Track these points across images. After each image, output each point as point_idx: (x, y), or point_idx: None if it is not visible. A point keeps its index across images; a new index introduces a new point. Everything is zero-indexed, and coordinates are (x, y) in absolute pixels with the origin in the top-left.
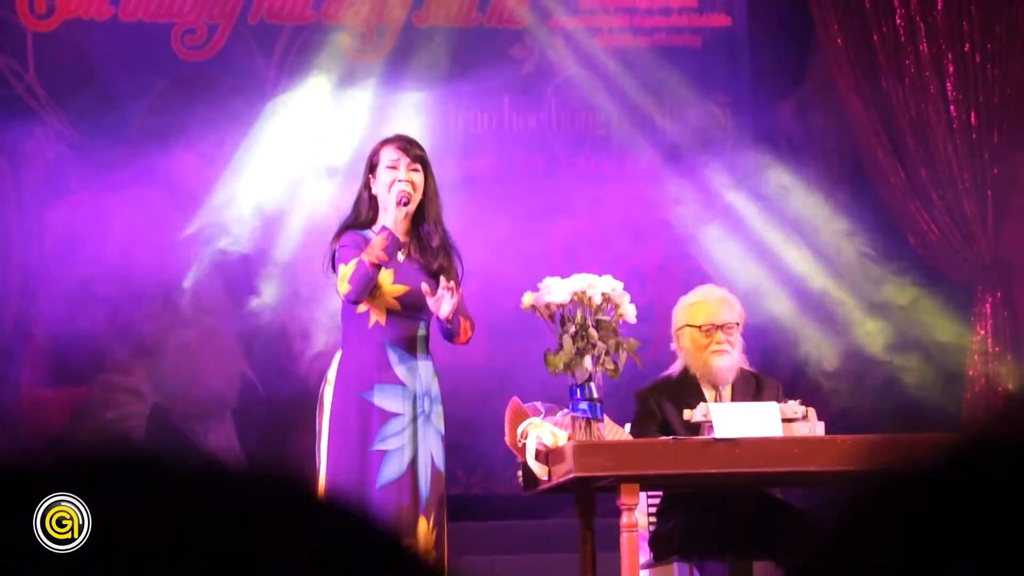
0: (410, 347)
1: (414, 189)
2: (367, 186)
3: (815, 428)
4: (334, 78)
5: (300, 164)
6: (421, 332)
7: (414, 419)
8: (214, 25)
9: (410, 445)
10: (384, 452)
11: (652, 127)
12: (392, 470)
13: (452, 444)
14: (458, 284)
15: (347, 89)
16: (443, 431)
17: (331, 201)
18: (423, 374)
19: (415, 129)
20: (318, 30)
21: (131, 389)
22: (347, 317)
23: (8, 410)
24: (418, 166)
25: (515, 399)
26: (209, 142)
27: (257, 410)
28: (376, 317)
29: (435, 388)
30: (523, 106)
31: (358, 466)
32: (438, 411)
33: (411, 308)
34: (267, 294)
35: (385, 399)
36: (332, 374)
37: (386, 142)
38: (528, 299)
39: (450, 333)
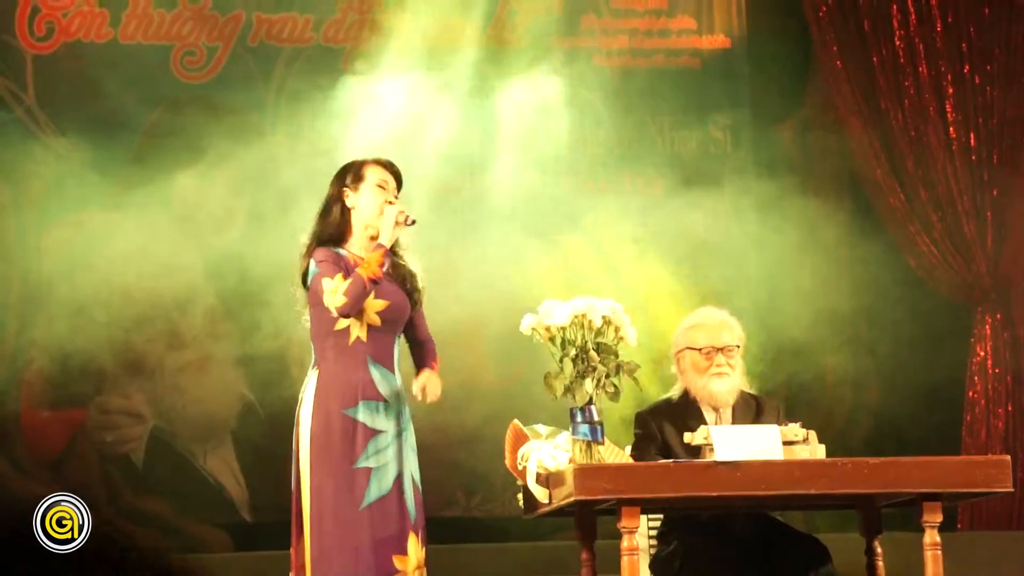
0: (388, 362)
1: None
2: (339, 199)
3: (816, 451)
4: (333, 99)
5: (301, 184)
6: (396, 349)
7: (397, 435)
8: (213, 47)
9: (395, 462)
10: (371, 469)
11: (652, 148)
12: (381, 487)
13: (452, 465)
14: (419, 302)
15: (348, 108)
16: (415, 448)
17: None
18: (400, 389)
19: (414, 146)
20: (317, 52)
21: (130, 411)
22: (323, 334)
23: (7, 432)
24: (398, 191)
25: (515, 422)
26: (208, 163)
27: (256, 432)
28: (357, 332)
29: (407, 405)
30: (523, 127)
31: (345, 484)
32: (412, 429)
33: (389, 323)
34: (266, 317)
35: (370, 416)
36: (308, 393)
37: (370, 162)
38: (528, 322)
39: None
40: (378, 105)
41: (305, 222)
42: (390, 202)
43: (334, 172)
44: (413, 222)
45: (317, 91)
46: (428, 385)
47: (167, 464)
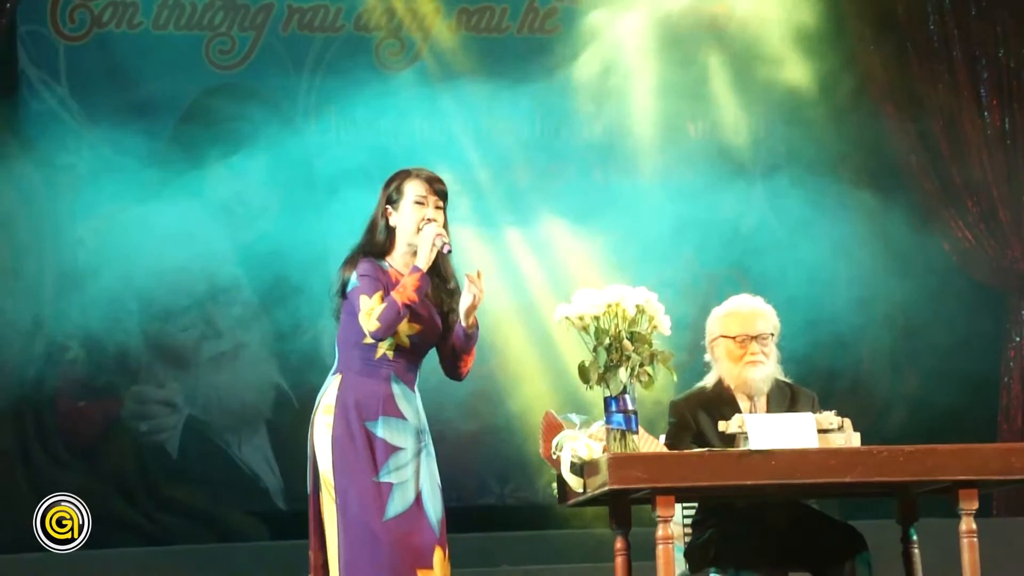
0: (411, 383)
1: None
2: (384, 215)
3: (851, 439)
4: (366, 88)
5: (334, 173)
6: (418, 368)
7: (416, 454)
8: (246, 36)
9: (414, 480)
10: (391, 484)
11: (684, 135)
12: (399, 503)
13: (486, 454)
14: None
15: (376, 99)
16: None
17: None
18: (419, 408)
19: (444, 137)
20: (350, 41)
21: (165, 401)
22: (351, 344)
23: (43, 421)
24: (441, 203)
25: (549, 411)
26: (242, 153)
27: (291, 421)
28: (384, 349)
29: (426, 422)
30: (552, 115)
31: (368, 493)
32: (431, 444)
33: (418, 346)
34: (300, 306)
35: (390, 432)
36: (331, 399)
37: (411, 175)
38: (561, 311)
39: (464, 349)
40: (411, 94)
41: (338, 210)
42: (430, 219)
43: (367, 161)
44: (449, 251)
45: (349, 80)
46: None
47: (202, 453)
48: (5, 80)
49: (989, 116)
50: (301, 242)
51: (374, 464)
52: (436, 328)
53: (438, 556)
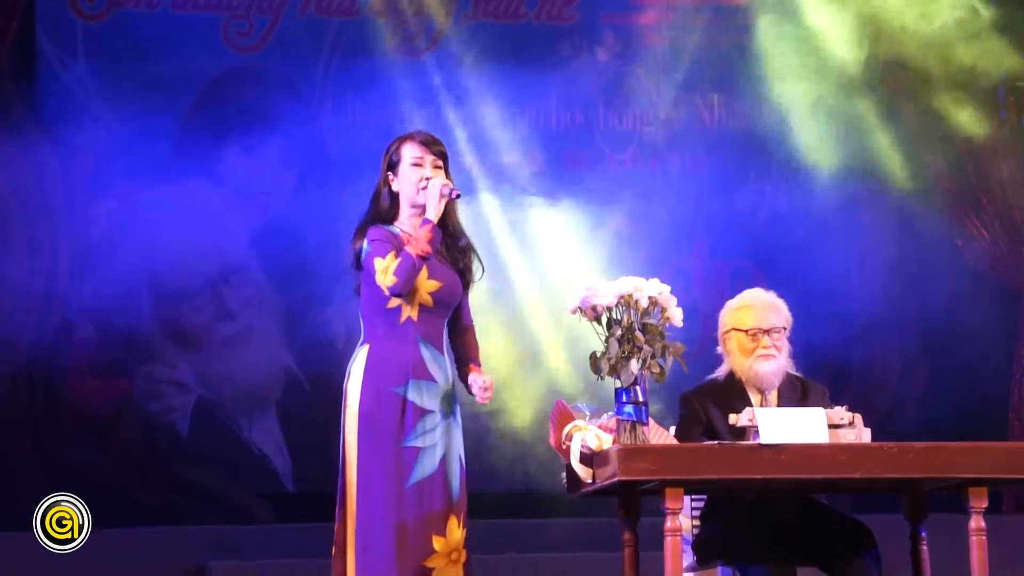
0: (438, 342)
1: None
2: (386, 182)
3: (862, 435)
4: (379, 73)
5: (349, 156)
6: (445, 330)
7: (445, 416)
8: (263, 18)
9: (442, 442)
10: (419, 448)
11: (700, 125)
12: (425, 467)
13: (496, 441)
14: (472, 283)
15: (393, 83)
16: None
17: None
18: (449, 370)
19: (459, 126)
20: (366, 25)
21: (176, 381)
22: (375, 312)
23: (53, 399)
24: (440, 163)
25: (561, 401)
26: (257, 136)
27: (301, 403)
28: (408, 312)
29: (455, 387)
30: (569, 102)
31: (392, 461)
32: (458, 410)
33: (441, 304)
34: (312, 289)
35: (420, 395)
36: (357, 368)
37: (406, 138)
38: (574, 301)
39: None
40: (427, 79)
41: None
42: (429, 178)
43: (382, 145)
44: (458, 195)
45: (365, 64)
46: (487, 383)
47: (212, 434)
48: (23, 59)
49: (1006, 115)
50: (315, 225)
51: (402, 429)
52: (456, 283)
53: (452, 523)
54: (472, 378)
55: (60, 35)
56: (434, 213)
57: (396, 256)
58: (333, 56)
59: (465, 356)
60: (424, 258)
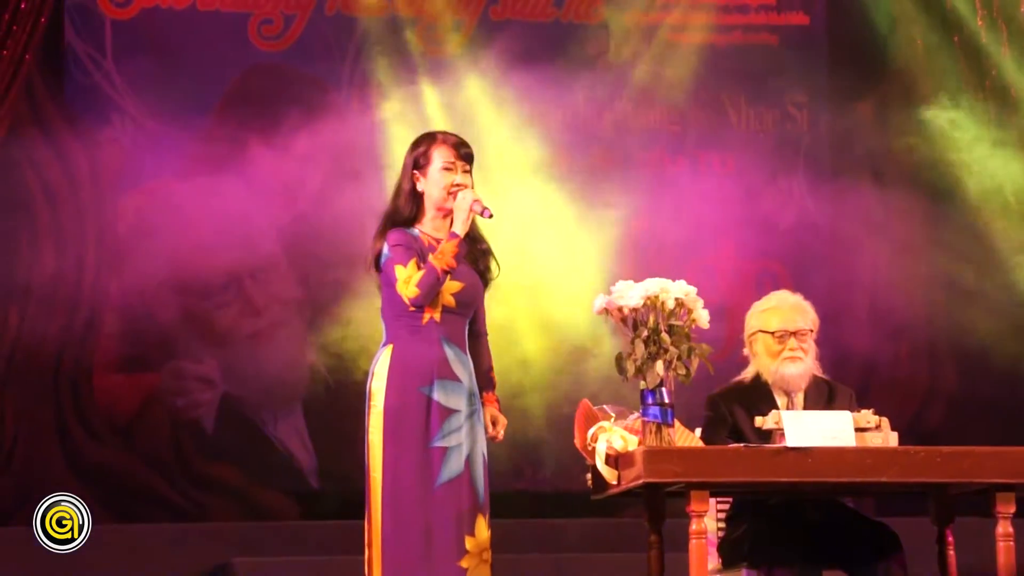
0: (461, 342)
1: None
2: (411, 179)
3: (888, 438)
4: (406, 71)
5: (375, 153)
6: (466, 330)
7: (469, 416)
8: (291, 16)
9: (467, 441)
10: (445, 448)
11: (727, 125)
12: (452, 467)
13: (520, 440)
14: (489, 283)
15: (419, 80)
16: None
17: None
18: (472, 370)
19: (485, 123)
20: (392, 23)
21: (202, 377)
22: (396, 315)
23: (80, 395)
24: (468, 167)
25: (585, 401)
26: (284, 133)
27: (326, 400)
28: (431, 314)
29: (476, 386)
30: (596, 102)
31: (419, 462)
32: (480, 409)
33: (463, 305)
34: (337, 286)
35: (445, 395)
36: (382, 368)
37: (437, 140)
38: (600, 303)
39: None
40: (454, 77)
41: (379, 191)
42: (460, 185)
43: (407, 142)
44: (491, 216)
45: (392, 62)
46: (499, 421)
47: (237, 430)
48: (51, 54)
49: None
50: (341, 222)
51: (428, 430)
52: (477, 284)
53: (480, 523)
54: (491, 414)
55: (88, 31)
56: (462, 227)
57: (418, 265)
58: (360, 53)
59: (480, 365)
60: (448, 272)
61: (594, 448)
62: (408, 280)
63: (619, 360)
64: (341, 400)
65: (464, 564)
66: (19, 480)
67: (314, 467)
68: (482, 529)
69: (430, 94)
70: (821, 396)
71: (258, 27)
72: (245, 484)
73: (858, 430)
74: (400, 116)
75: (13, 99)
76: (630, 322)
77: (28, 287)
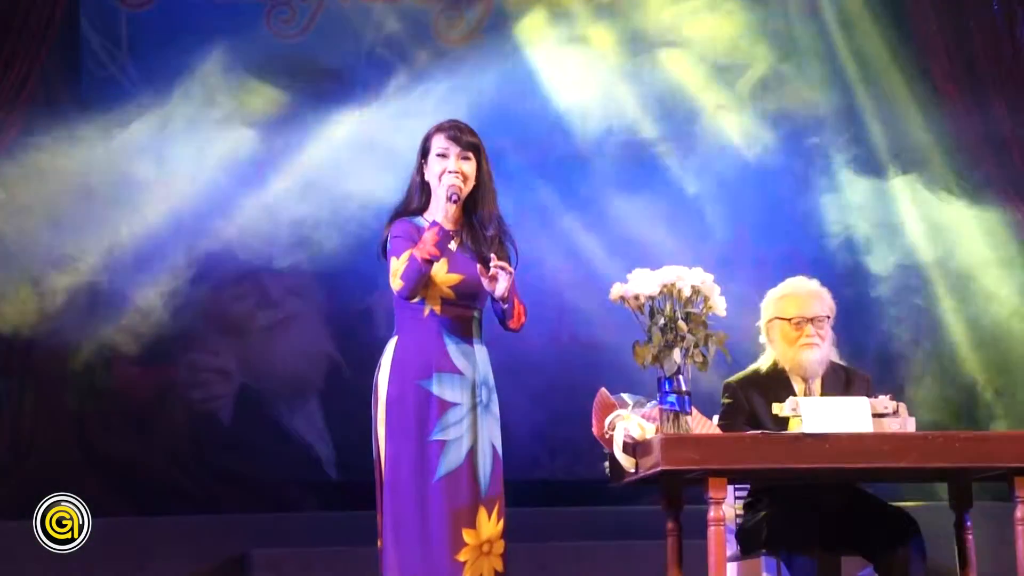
0: (466, 333)
1: (464, 180)
2: (419, 171)
3: (906, 423)
4: (421, 60)
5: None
6: (476, 318)
7: (472, 408)
8: (306, 5)
9: (469, 435)
10: (443, 442)
11: (752, 112)
12: (451, 461)
13: (538, 429)
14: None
15: (437, 68)
16: (498, 416)
17: None
18: (480, 361)
19: (499, 113)
20: (409, 12)
21: (219, 369)
22: (401, 306)
23: (98, 388)
24: (469, 154)
25: (603, 390)
26: (300, 122)
27: (342, 391)
28: (431, 306)
29: (491, 377)
30: (621, 87)
31: (418, 455)
32: (495, 399)
33: (465, 297)
34: (353, 277)
35: (444, 388)
36: (386, 361)
37: (438, 128)
38: (617, 290)
39: (505, 315)
40: (471, 65)
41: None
42: (451, 171)
43: (424, 132)
44: (456, 200)
45: (408, 51)
46: (497, 280)
47: (254, 422)
48: (67, 46)
49: None
50: (357, 212)
51: (426, 424)
52: (477, 276)
53: (482, 516)
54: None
55: (104, 23)
56: (440, 213)
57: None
58: (376, 42)
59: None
60: (429, 261)
61: (612, 436)
62: (395, 272)
63: (636, 348)
64: (358, 391)
65: (461, 557)
66: (37, 472)
67: (332, 458)
68: (484, 522)
69: (447, 81)
70: (838, 382)
71: (274, 17)
72: (263, 476)
73: (875, 416)
74: (417, 104)
75: (29, 92)
76: (647, 310)
77: (46, 279)
